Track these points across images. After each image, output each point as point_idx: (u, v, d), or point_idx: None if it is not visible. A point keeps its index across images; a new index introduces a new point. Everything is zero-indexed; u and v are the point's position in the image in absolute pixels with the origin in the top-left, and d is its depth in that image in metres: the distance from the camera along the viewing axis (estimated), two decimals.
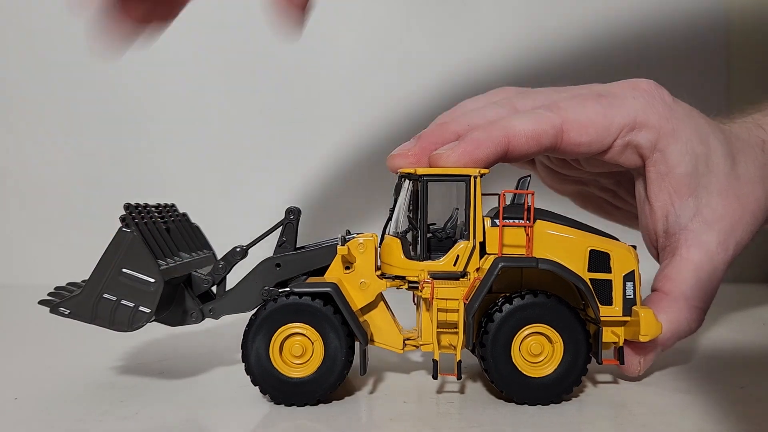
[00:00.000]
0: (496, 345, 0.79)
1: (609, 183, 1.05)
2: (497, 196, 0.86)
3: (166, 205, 0.91)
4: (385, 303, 0.89)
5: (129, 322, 0.78)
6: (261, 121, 1.89)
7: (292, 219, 0.87)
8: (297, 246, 0.88)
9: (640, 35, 1.85)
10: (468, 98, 0.99)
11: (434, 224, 0.88)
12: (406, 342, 0.86)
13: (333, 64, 1.90)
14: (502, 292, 0.83)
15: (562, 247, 0.83)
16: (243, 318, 0.83)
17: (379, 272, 0.85)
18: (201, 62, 1.89)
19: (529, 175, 0.89)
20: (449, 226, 0.87)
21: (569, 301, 0.81)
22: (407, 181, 0.85)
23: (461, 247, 0.82)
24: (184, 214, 0.96)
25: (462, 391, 0.84)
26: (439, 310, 0.81)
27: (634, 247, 0.85)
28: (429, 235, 0.86)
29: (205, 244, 0.97)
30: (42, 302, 0.81)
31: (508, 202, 0.86)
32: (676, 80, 1.00)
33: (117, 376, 0.91)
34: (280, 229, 0.87)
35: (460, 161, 0.82)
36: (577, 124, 0.86)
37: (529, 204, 0.82)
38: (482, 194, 0.83)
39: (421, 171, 0.82)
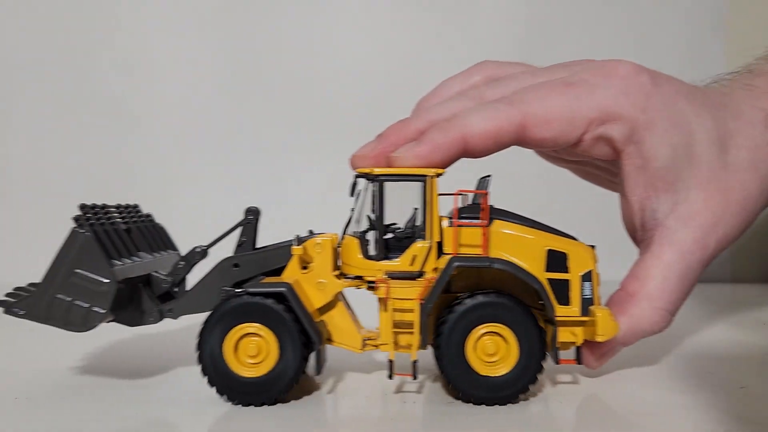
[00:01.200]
0: (450, 345, 0.79)
1: (603, 162, 0.98)
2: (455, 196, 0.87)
3: (128, 206, 0.92)
4: (346, 303, 0.89)
5: (83, 323, 0.78)
6: (263, 122, 1.91)
7: (251, 219, 0.87)
8: (257, 246, 0.88)
9: (640, 32, 1.85)
10: (446, 79, 0.97)
11: (395, 224, 0.88)
12: (366, 342, 0.86)
13: (335, 66, 1.91)
14: (458, 292, 0.83)
15: (519, 247, 0.82)
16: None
17: (337, 272, 0.85)
18: (204, 62, 1.91)
19: (489, 175, 0.88)
20: (408, 226, 0.87)
21: (527, 301, 0.81)
22: (365, 180, 0.84)
23: (418, 246, 0.82)
24: (149, 215, 0.96)
25: (419, 390, 0.84)
26: (394, 310, 0.81)
27: (593, 246, 0.85)
28: (390, 235, 0.86)
29: (169, 245, 0.97)
30: None
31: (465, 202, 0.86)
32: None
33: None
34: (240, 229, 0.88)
35: (416, 163, 0.82)
36: (539, 119, 0.83)
37: (486, 204, 0.82)
38: (440, 194, 0.83)
39: (377, 171, 0.82)
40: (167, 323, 0.88)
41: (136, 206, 0.94)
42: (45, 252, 1.75)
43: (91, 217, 0.81)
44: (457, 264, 0.80)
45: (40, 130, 1.90)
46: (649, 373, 0.91)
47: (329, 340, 0.86)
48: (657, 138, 0.84)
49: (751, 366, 0.96)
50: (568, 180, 1.10)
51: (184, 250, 0.91)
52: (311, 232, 0.89)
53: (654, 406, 0.79)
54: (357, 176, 0.84)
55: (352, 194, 0.85)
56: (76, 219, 0.79)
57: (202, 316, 0.86)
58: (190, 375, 0.90)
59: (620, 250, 0.96)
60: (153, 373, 0.91)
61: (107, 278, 0.78)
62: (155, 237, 0.94)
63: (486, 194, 0.82)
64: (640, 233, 0.88)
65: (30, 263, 1.74)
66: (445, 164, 0.84)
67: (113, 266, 0.79)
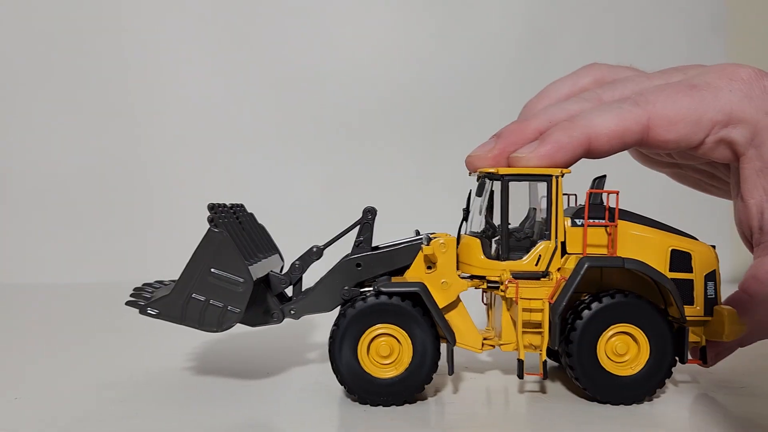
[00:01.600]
0: (583, 343, 0.79)
1: (705, 166, 0.98)
2: (572, 196, 0.87)
3: (238, 205, 0.90)
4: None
5: (218, 323, 0.77)
6: (263, 122, 1.91)
7: (369, 218, 0.86)
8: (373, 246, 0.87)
9: (640, 32, 1.87)
10: (554, 81, 0.95)
11: (509, 224, 0.88)
12: (484, 342, 0.86)
13: (335, 66, 1.92)
14: (580, 291, 0.83)
15: (643, 246, 0.83)
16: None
17: (458, 272, 0.85)
18: (204, 62, 1.91)
19: (605, 175, 0.88)
20: (527, 226, 0.87)
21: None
22: (488, 180, 0.84)
23: (542, 247, 0.82)
24: (251, 214, 0.95)
25: (543, 390, 0.84)
26: (523, 310, 0.81)
27: (714, 246, 0.85)
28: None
29: (272, 244, 0.96)
30: (129, 303, 0.80)
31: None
32: None
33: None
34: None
35: (539, 163, 0.81)
36: (665, 120, 0.83)
37: (611, 204, 0.82)
38: (564, 194, 0.83)
39: (502, 171, 0.82)
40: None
41: (241, 206, 0.93)
42: (44, 251, 1.76)
43: (222, 217, 0.80)
44: (588, 264, 0.80)
45: (40, 130, 1.89)
46: None
47: None
48: None
49: (751, 366, 0.96)
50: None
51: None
52: (417, 232, 0.88)
53: (653, 405, 0.80)
54: (483, 177, 0.84)
55: (479, 194, 0.84)
56: (211, 219, 0.78)
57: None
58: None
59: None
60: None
61: (244, 278, 0.77)
62: (262, 237, 0.93)
63: (617, 194, 0.82)
64: (757, 236, 0.88)
65: (30, 263, 1.74)
66: (568, 164, 0.84)
67: (247, 266, 0.78)
